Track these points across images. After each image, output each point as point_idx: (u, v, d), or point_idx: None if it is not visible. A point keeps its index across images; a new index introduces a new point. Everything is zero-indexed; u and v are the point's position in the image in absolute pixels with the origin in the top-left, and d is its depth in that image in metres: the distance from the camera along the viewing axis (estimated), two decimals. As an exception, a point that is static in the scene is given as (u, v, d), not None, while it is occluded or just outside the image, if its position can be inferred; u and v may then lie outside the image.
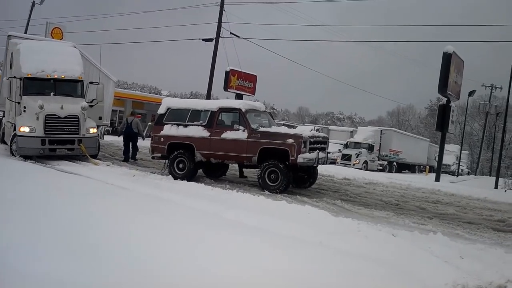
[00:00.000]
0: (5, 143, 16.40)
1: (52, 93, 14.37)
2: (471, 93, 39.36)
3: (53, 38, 32.47)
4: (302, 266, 4.85)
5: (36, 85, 14.33)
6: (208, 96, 29.28)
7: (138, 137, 17.39)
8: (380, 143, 34.35)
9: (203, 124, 12.49)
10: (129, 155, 17.06)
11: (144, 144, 17.87)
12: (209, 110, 12.59)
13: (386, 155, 35.08)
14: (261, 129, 12.01)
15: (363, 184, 15.57)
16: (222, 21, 28.48)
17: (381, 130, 35.84)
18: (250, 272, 4.46)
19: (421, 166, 41.76)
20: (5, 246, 4.57)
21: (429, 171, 35.86)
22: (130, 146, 17.05)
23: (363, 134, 34.51)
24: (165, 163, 13.36)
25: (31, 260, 4.30)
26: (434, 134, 58.76)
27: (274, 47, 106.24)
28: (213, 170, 13.81)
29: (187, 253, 4.82)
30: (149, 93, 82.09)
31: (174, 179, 12.27)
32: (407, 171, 38.41)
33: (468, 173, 52.73)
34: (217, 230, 5.98)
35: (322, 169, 14.62)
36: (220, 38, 28.39)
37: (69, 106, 14.01)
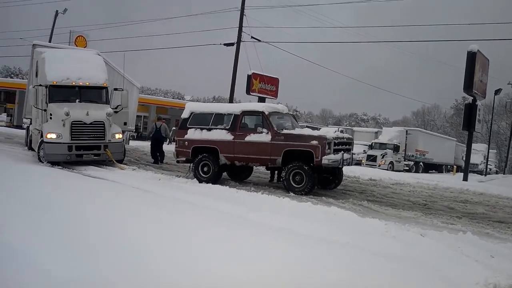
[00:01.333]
0: (32, 150, 16.64)
1: (77, 100, 14.54)
2: (497, 92, 38.63)
3: (77, 46, 33.09)
4: (329, 266, 4.79)
5: (62, 93, 14.54)
6: (231, 100, 29.37)
7: (164, 141, 17.91)
8: (406, 144, 33.96)
9: (227, 127, 12.52)
10: (158, 158, 17.61)
11: (168, 148, 18.07)
12: (232, 114, 12.62)
13: (412, 156, 34.64)
14: (285, 131, 11.97)
15: (389, 184, 15.40)
16: (243, 25, 28.60)
17: (407, 131, 35.44)
18: (276, 272, 4.42)
19: (448, 166, 41.10)
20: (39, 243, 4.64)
21: (457, 171, 35.31)
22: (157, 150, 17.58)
23: (388, 135, 34.20)
24: (189, 166, 13.43)
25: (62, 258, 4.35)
26: (461, 133, 57.86)
27: (296, 50, 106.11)
28: (237, 173, 13.83)
29: (211, 254, 4.81)
30: (173, 98, 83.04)
31: (199, 182, 12.32)
32: (434, 171, 37.85)
33: (496, 172, 51.66)
34: (241, 230, 5.95)
35: (347, 170, 14.50)
36: (241, 43, 28.49)
37: (94, 112, 14.19)
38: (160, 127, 18.07)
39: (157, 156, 17.78)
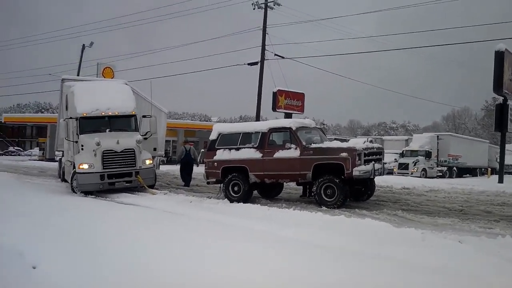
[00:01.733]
0: (66, 181, 16.96)
1: (107, 130, 14.77)
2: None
3: (104, 77, 33.88)
4: (367, 280, 4.71)
5: (92, 123, 14.82)
6: (257, 118, 29.51)
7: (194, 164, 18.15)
8: (438, 149, 33.33)
9: (255, 145, 12.55)
10: (188, 180, 17.77)
11: (197, 170, 18.20)
12: (259, 132, 12.66)
13: (445, 161, 33.96)
14: (313, 145, 11.93)
15: (423, 192, 15.12)
16: (266, 44, 28.83)
17: (438, 136, 34.85)
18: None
19: (482, 169, 40.10)
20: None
21: (491, 173, 34.43)
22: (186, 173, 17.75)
23: (419, 142, 33.64)
24: (220, 187, 13.46)
25: None
26: (493, 135, 56.47)
27: (320, 63, 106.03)
28: (268, 190, 13.80)
29: (250, 275, 4.80)
30: (200, 120, 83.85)
31: (230, 202, 12.32)
32: (468, 175, 36.98)
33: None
34: (277, 249, 5.93)
35: (379, 180, 14.30)
36: (265, 61, 28.69)
37: (124, 140, 14.42)
38: (190, 150, 18.28)
39: (187, 178, 17.95)
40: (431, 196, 14.01)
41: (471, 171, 38.24)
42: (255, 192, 13.62)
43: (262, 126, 13.04)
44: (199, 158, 21.44)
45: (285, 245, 6.18)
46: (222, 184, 13.20)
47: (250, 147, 12.63)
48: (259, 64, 28.89)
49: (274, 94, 29.91)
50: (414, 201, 12.75)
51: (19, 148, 74.18)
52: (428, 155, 31.85)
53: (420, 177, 27.61)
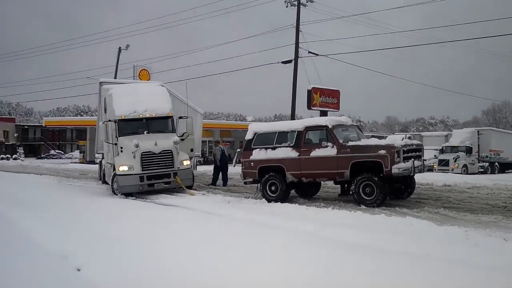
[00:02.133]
0: (106, 183, 17.31)
1: (145, 131, 15.01)
2: None
3: (141, 79, 34.36)
4: (411, 281, 4.62)
5: (130, 126, 15.07)
6: (293, 117, 29.36)
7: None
8: (479, 144, 32.45)
9: (291, 144, 12.49)
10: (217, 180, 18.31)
11: (233, 170, 18.30)
12: (295, 131, 12.59)
13: (486, 156, 33.01)
14: (351, 143, 11.78)
15: (465, 189, 14.72)
16: (300, 41, 28.65)
17: (478, 131, 33.90)
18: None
19: (526, 164, 38.78)
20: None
21: (535, 168, 33.24)
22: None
23: (459, 137, 32.81)
24: (257, 187, 13.45)
25: None
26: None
27: (355, 59, 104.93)
28: (305, 189, 13.69)
29: (291, 277, 4.78)
30: (235, 120, 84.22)
31: (268, 202, 12.30)
32: (511, 170, 35.85)
33: None
34: (316, 249, 5.89)
35: (419, 177, 14.00)
36: (299, 58, 28.53)
37: (162, 142, 14.60)
38: (224, 150, 18.55)
39: (225, 178, 18.27)
40: (473, 193, 13.63)
41: (514, 167, 37.04)
42: (293, 192, 13.56)
43: (297, 124, 12.96)
44: (235, 158, 21.53)
45: (328, 247, 6.12)
46: (259, 184, 13.19)
47: (287, 146, 12.56)
48: (293, 62, 28.75)
49: (309, 92, 29.66)
50: (456, 198, 12.43)
51: (60, 151, 76.35)
52: (469, 150, 31.01)
53: (461, 173, 26.97)
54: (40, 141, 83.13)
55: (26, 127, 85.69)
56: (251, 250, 6.00)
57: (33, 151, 79.43)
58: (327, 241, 6.51)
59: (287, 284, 4.77)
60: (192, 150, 17.13)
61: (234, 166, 19.46)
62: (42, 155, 70.64)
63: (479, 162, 32.06)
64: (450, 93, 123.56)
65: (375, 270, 4.96)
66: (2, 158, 59.27)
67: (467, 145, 31.19)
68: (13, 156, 62.47)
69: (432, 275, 4.78)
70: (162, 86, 17.48)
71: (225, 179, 18.29)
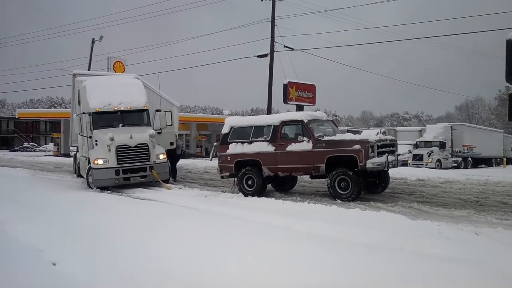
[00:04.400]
0: (81, 176, 17.06)
1: (120, 125, 14.86)
2: (540, 78, 37.03)
3: (115, 71, 33.97)
4: (383, 273, 4.70)
5: (105, 119, 14.91)
6: (269, 111, 29.39)
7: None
8: (452, 140, 33.04)
9: (267, 139, 12.53)
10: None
11: (210, 164, 18.26)
12: (271, 125, 12.63)
13: (460, 151, 33.65)
14: (326, 138, 11.88)
15: (438, 183, 14.98)
16: (275, 35, 28.65)
17: (451, 126, 34.50)
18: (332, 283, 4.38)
19: (498, 159, 39.71)
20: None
21: (507, 163, 34.02)
22: None
23: (432, 132, 33.34)
24: (234, 181, 13.47)
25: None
26: (508, 124, 55.95)
27: (332, 54, 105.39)
28: (282, 183, 13.78)
29: (262, 271, 4.81)
30: (212, 114, 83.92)
31: (245, 196, 12.34)
32: (483, 165, 36.63)
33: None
34: (291, 244, 5.93)
35: (393, 172, 14.20)
36: (274, 53, 28.54)
37: (137, 135, 14.47)
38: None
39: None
40: (446, 188, 13.89)
41: (486, 161, 37.88)
42: (270, 186, 13.62)
43: (273, 119, 13.01)
44: (212, 152, 21.50)
45: (303, 241, 6.17)
46: (236, 178, 13.21)
47: (263, 141, 12.60)
48: (268, 56, 28.73)
49: (285, 86, 29.67)
50: (429, 193, 12.65)
51: (34, 144, 75.02)
52: (442, 145, 31.54)
53: (434, 168, 27.44)
54: (13, 133, 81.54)
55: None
56: (223, 243, 6.01)
57: (6, 144, 77.93)
58: (301, 235, 6.56)
59: (256, 276, 4.80)
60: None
61: (211, 160, 19.45)
62: (16, 148, 69.27)
63: (452, 157, 32.68)
64: (424, 89, 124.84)
65: (343, 263, 5.02)
66: (-26, 151, 57.96)
67: (441, 140, 31.73)
68: (-15, 149, 61.12)
69: (400, 268, 4.87)
70: (137, 78, 17.31)
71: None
